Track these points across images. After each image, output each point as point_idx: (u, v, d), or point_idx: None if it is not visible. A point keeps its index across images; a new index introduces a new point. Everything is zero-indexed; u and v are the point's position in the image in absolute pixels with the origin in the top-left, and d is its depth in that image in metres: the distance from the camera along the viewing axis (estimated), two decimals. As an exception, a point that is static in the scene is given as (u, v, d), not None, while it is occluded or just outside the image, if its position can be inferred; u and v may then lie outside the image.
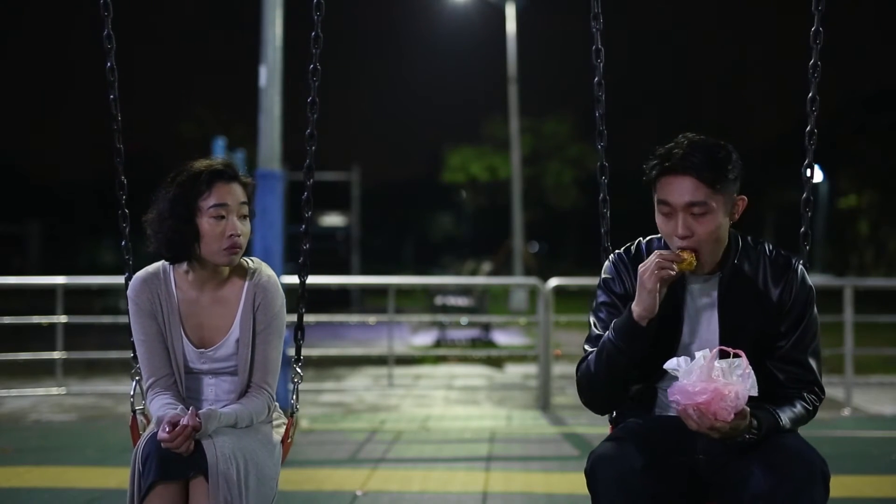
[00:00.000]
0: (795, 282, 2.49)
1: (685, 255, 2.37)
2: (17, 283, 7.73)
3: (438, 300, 14.25)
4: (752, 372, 2.24)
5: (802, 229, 2.88)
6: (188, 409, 2.43)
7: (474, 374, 10.39)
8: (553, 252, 48.34)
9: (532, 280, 8.20)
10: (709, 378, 2.22)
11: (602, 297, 2.59)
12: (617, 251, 2.65)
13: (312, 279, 6.68)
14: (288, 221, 8.03)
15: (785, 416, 2.36)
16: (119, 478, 4.65)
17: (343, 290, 18.92)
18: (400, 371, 9.79)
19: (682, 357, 2.29)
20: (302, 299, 3.10)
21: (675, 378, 2.32)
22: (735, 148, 2.45)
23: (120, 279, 3.00)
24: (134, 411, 2.88)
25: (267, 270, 2.75)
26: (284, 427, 2.81)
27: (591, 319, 2.60)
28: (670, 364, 2.29)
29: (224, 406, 2.60)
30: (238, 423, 2.56)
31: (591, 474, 2.35)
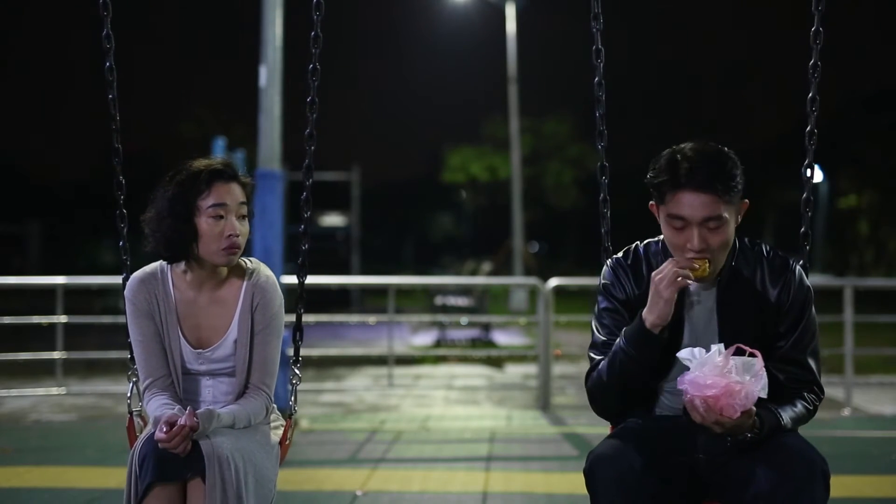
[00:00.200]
0: (793, 282, 2.49)
1: (698, 263, 2.37)
2: (17, 283, 7.73)
3: (438, 300, 14.25)
4: (765, 374, 2.25)
5: (802, 229, 2.88)
6: (185, 410, 2.41)
7: (474, 374, 10.40)
8: (553, 252, 48.34)
9: (532, 280, 8.20)
10: (722, 373, 2.22)
11: (604, 303, 2.57)
12: (615, 256, 2.64)
13: (312, 279, 6.74)
14: (288, 221, 8.04)
15: (786, 416, 2.37)
16: (119, 478, 4.63)
17: (343, 290, 18.92)
18: (400, 371, 9.79)
19: (697, 348, 2.29)
20: (300, 300, 3.07)
21: (676, 380, 2.32)
22: (733, 150, 2.45)
23: (119, 279, 2.99)
24: (131, 413, 2.85)
25: (265, 271, 2.73)
26: (283, 429, 2.79)
27: (594, 325, 2.58)
28: (683, 353, 2.29)
29: (222, 407, 2.59)
30: (236, 423, 2.55)
31: (589, 474, 2.35)
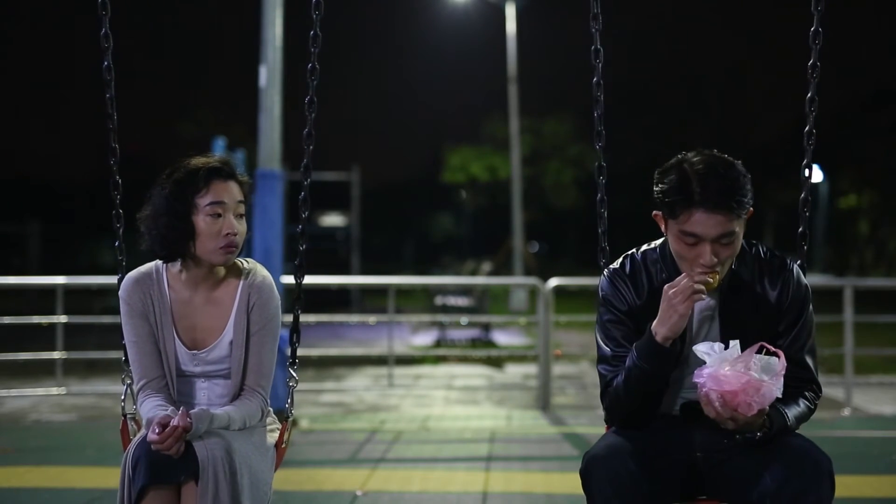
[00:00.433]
0: (791, 282, 2.50)
1: (710, 276, 2.37)
2: (17, 283, 7.73)
3: (438, 300, 14.24)
4: (783, 376, 2.25)
5: (801, 229, 2.88)
6: (179, 411, 2.37)
7: (474, 374, 10.39)
8: (553, 252, 48.32)
9: (532, 280, 8.20)
10: (744, 370, 2.21)
11: (607, 315, 2.54)
12: (611, 266, 2.61)
13: (312, 279, 6.75)
14: (288, 221, 8.03)
15: (791, 415, 2.38)
16: (119, 478, 4.64)
17: (343, 290, 18.90)
18: (400, 371, 9.79)
19: (717, 343, 2.29)
20: (298, 300, 3.04)
21: (677, 379, 2.32)
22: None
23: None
24: (125, 415, 2.81)
25: (262, 271, 2.68)
26: (279, 431, 2.75)
27: (600, 339, 2.55)
28: (701, 347, 2.28)
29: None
30: (231, 425, 2.50)
31: (585, 474, 2.35)
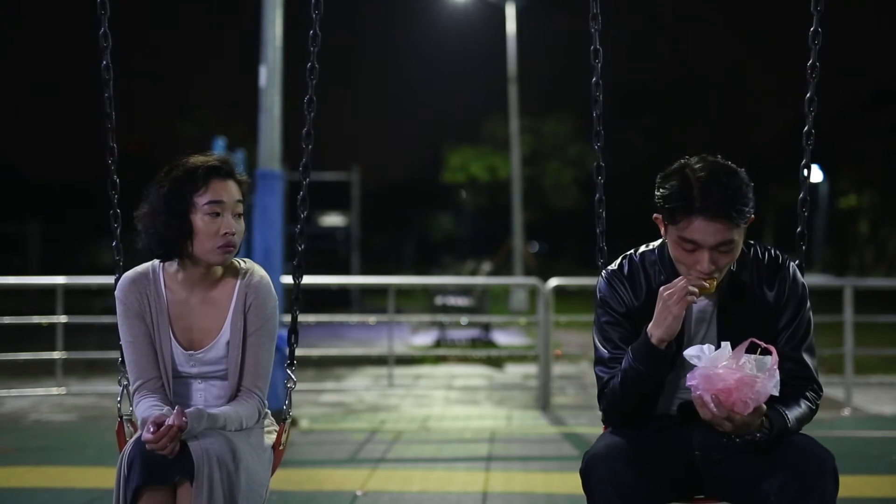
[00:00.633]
0: (788, 280, 2.50)
1: (707, 281, 2.37)
2: (17, 283, 7.73)
3: (438, 300, 14.23)
4: (778, 372, 2.24)
5: (799, 229, 2.88)
6: (174, 410, 2.35)
7: (474, 374, 10.39)
8: (553, 252, 48.31)
9: (532, 280, 8.20)
10: (735, 367, 2.20)
11: (605, 317, 2.55)
12: (609, 268, 2.61)
13: (312, 279, 6.75)
14: (288, 221, 8.03)
15: (792, 416, 2.37)
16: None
17: (343, 290, 18.90)
18: (400, 371, 9.79)
19: (706, 345, 2.29)
20: (296, 301, 3.03)
21: (675, 380, 2.32)
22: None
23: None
24: (121, 417, 2.80)
25: (259, 271, 2.67)
26: (276, 433, 2.74)
27: (598, 340, 2.55)
28: (691, 351, 2.28)
29: None
30: (227, 425, 2.48)
31: (585, 474, 2.36)
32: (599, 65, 3.06)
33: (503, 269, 23.47)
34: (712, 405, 2.20)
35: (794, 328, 2.48)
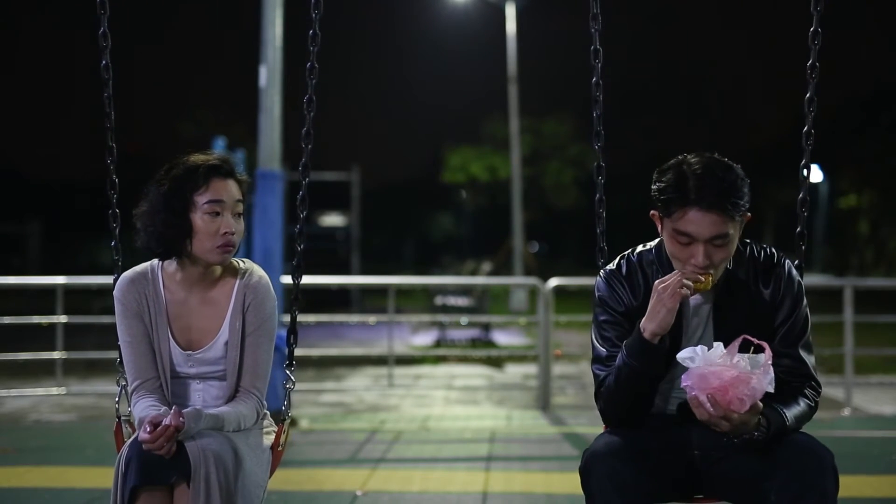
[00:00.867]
0: (783, 277, 2.50)
1: (703, 276, 2.37)
2: (17, 283, 7.73)
3: (438, 300, 14.23)
4: (772, 368, 2.24)
5: (798, 229, 2.89)
6: (171, 410, 2.34)
7: (474, 374, 10.39)
8: (553, 252, 48.31)
9: (532, 280, 8.20)
10: (728, 365, 2.20)
11: (603, 316, 2.55)
12: (607, 267, 2.62)
13: (312, 279, 6.75)
14: (288, 221, 8.03)
15: (791, 415, 2.37)
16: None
17: (343, 290, 18.89)
18: (400, 371, 9.79)
19: (699, 346, 2.29)
20: (296, 301, 3.02)
21: (673, 379, 2.31)
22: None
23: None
24: (119, 417, 2.79)
25: (258, 271, 2.66)
26: (275, 434, 2.73)
27: (595, 339, 2.56)
28: (684, 353, 2.28)
29: None
30: (225, 426, 2.47)
31: (584, 472, 2.36)
32: (600, 65, 3.06)
33: (503, 269, 23.46)
34: (708, 405, 2.20)
35: (791, 325, 2.48)
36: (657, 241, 2.55)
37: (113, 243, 3.00)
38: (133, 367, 2.58)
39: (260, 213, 6.64)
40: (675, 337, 2.44)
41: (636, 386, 2.42)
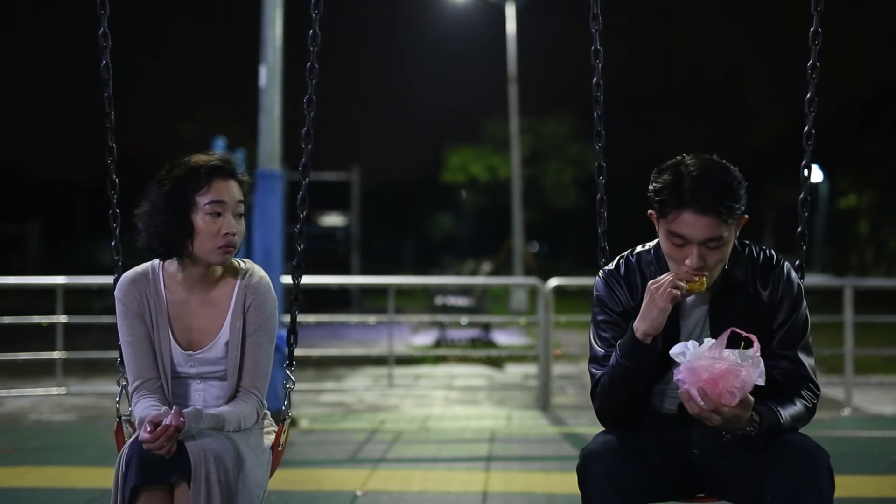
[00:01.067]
0: (782, 279, 2.50)
1: (696, 276, 2.37)
2: (17, 283, 7.73)
3: (438, 300, 14.24)
4: (762, 361, 2.24)
5: (799, 229, 2.88)
6: (172, 410, 2.34)
7: (474, 374, 10.39)
8: (553, 252, 48.32)
9: (532, 280, 8.20)
10: (717, 357, 2.21)
11: (601, 316, 2.56)
12: (606, 268, 2.62)
13: (312, 279, 6.74)
14: (288, 221, 8.03)
15: (785, 414, 2.36)
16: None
17: (343, 290, 18.89)
18: (400, 371, 9.79)
19: (691, 342, 2.30)
20: (296, 301, 3.02)
21: (672, 379, 2.32)
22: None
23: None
24: (119, 417, 2.79)
25: (259, 272, 2.66)
26: (275, 434, 2.73)
27: (593, 339, 2.57)
28: (676, 349, 2.28)
29: None
30: (225, 426, 2.48)
31: (582, 471, 2.36)
32: (600, 65, 3.06)
33: (503, 269, 23.47)
34: (699, 398, 2.21)
35: (790, 327, 2.48)
36: (656, 241, 2.55)
37: (113, 243, 3.00)
38: (134, 366, 2.58)
39: (260, 213, 6.64)
40: (672, 337, 2.44)
41: (630, 386, 2.43)
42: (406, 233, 50.38)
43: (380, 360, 10.17)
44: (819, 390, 2.51)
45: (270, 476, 2.66)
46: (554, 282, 7.50)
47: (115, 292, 2.64)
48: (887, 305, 9.96)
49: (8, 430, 6.56)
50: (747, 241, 2.56)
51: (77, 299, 9.88)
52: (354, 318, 11.13)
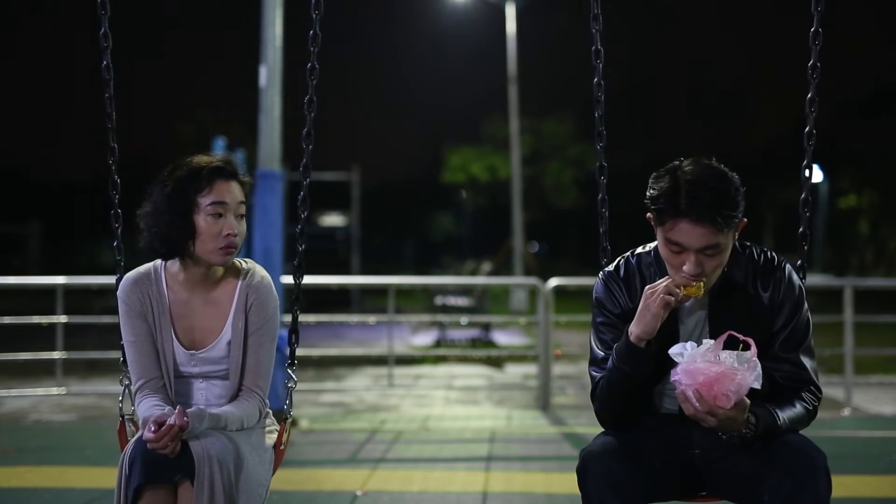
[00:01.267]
0: (783, 281, 2.49)
1: (694, 282, 2.36)
2: (17, 283, 7.73)
3: (438, 300, 14.24)
4: (759, 364, 2.24)
5: (801, 229, 2.88)
6: (176, 410, 2.36)
7: (474, 374, 10.39)
8: (553, 252, 48.33)
9: (532, 280, 8.20)
10: (714, 360, 2.22)
11: (600, 318, 2.56)
12: (606, 269, 2.62)
13: (312, 279, 6.74)
14: (288, 221, 8.04)
15: (783, 416, 2.36)
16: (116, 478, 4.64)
17: (343, 290, 18.89)
18: (400, 371, 9.79)
19: (689, 342, 2.30)
20: (297, 301, 3.03)
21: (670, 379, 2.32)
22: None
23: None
24: (122, 416, 2.81)
25: (260, 271, 2.68)
26: (277, 432, 2.74)
27: (593, 341, 2.57)
28: (675, 349, 2.29)
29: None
30: (228, 425, 2.50)
31: (581, 471, 2.37)
32: (601, 65, 3.06)
33: (503, 269, 23.47)
34: (694, 400, 2.21)
35: (791, 330, 2.47)
36: (656, 243, 2.54)
37: (115, 243, 3.02)
38: (137, 366, 2.60)
39: (260, 214, 6.64)
40: (671, 338, 2.44)
41: (627, 388, 2.43)
42: (406, 233, 50.38)
43: (380, 360, 10.17)
44: (821, 393, 2.51)
45: (272, 475, 2.67)
46: (554, 282, 7.50)
47: (118, 292, 2.65)
48: (887, 305, 9.96)
49: (8, 430, 6.56)
50: (748, 243, 2.55)
51: (77, 299, 9.89)
52: (354, 318, 11.13)
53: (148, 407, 2.51)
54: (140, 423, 2.54)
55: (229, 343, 2.60)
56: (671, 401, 2.52)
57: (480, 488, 4.63)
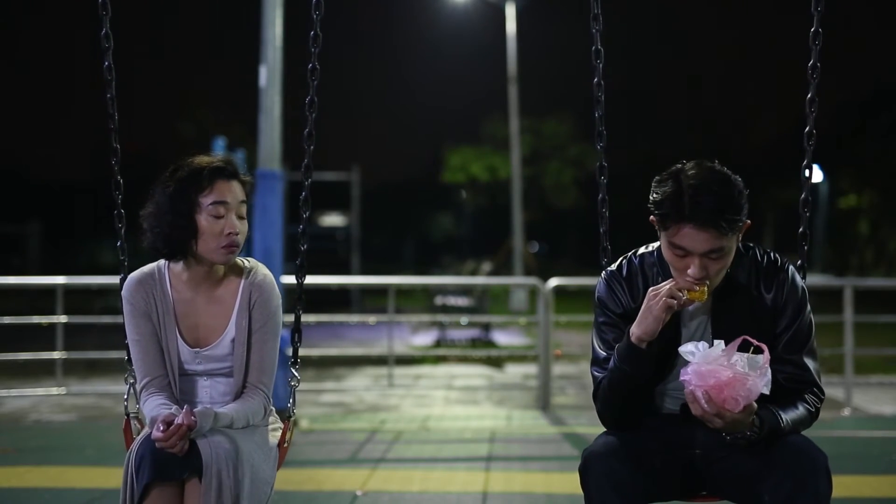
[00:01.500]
0: (786, 283, 2.49)
1: (698, 285, 2.36)
2: (17, 283, 7.73)
3: (438, 300, 14.23)
4: (770, 370, 2.24)
5: (801, 229, 2.88)
6: (182, 410, 2.40)
7: (474, 374, 10.39)
8: (553, 252, 48.33)
9: (532, 280, 8.20)
10: (727, 364, 2.22)
11: (602, 318, 2.56)
12: (609, 269, 2.62)
13: (312, 279, 6.74)
14: (288, 221, 8.05)
15: (786, 417, 2.36)
16: (119, 478, 4.63)
17: (343, 290, 18.88)
18: (400, 371, 9.79)
19: (701, 342, 2.30)
20: (299, 300, 3.05)
21: (676, 378, 2.32)
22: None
23: (119, 279, 2.98)
24: (128, 415, 2.83)
25: (263, 270, 2.72)
26: (281, 431, 2.77)
27: (595, 341, 2.57)
28: (686, 347, 2.29)
29: (219, 408, 2.57)
30: (234, 423, 2.53)
31: (583, 471, 2.37)
32: (601, 65, 3.06)
33: (503, 269, 23.46)
34: (703, 401, 2.22)
35: (794, 332, 2.47)
36: (659, 243, 2.54)
37: (119, 243, 3.03)
38: (142, 364, 2.62)
39: (260, 214, 6.64)
40: (674, 338, 2.44)
41: (628, 388, 2.43)
42: (406, 233, 50.36)
43: (380, 360, 10.17)
44: (823, 394, 2.51)
45: (276, 472, 2.70)
46: (554, 282, 7.50)
47: (123, 292, 2.68)
48: (887, 305, 9.96)
49: (8, 430, 6.56)
50: (751, 244, 2.55)
51: (77, 299, 9.91)
52: (354, 318, 11.13)
53: (154, 406, 2.54)
54: (147, 421, 2.56)
55: (233, 340, 2.63)
56: (672, 401, 2.52)
57: (480, 488, 4.63)
